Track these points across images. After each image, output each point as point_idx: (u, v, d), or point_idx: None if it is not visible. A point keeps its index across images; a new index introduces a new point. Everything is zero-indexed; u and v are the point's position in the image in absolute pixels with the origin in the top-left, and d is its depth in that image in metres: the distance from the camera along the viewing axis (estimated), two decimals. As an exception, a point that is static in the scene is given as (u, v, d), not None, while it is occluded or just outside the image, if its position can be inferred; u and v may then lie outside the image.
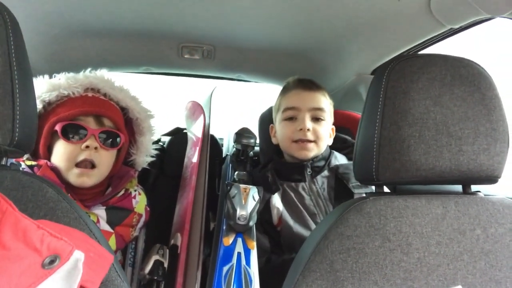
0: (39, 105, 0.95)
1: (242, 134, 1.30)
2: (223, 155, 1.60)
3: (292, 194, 1.18)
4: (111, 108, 1.03)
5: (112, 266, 0.56)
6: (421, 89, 0.69)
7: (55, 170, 0.95)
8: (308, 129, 1.16)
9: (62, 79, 0.99)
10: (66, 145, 0.95)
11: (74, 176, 0.94)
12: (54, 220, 0.55)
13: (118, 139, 1.02)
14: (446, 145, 0.68)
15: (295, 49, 1.48)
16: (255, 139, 1.33)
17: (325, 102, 1.22)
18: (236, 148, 1.34)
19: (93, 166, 0.96)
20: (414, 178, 0.70)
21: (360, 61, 1.45)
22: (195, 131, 1.38)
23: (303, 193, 1.18)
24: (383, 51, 1.32)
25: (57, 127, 0.94)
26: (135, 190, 1.12)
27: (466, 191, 0.76)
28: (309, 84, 1.24)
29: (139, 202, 1.10)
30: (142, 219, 1.11)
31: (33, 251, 0.44)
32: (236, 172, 1.24)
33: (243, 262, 0.85)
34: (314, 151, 1.18)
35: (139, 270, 1.09)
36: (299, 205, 1.16)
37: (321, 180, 1.20)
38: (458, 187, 0.77)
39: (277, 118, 1.27)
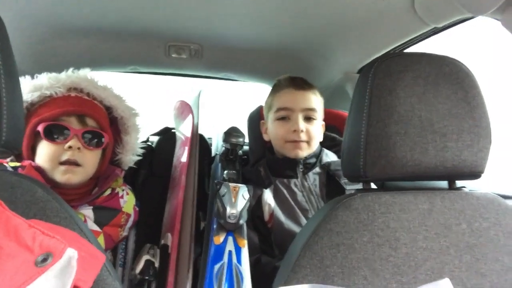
0: None
1: (230, 133, 1.31)
2: (212, 155, 1.60)
3: (285, 191, 1.20)
4: (95, 107, 1.03)
5: (104, 265, 0.56)
6: (406, 86, 0.70)
7: (39, 170, 0.94)
8: (302, 130, 1.18)
9: (44, 79, 0.99)
10: (49, 146, 0.94)
11: (59, 174, 0.94)
12: (44, 220, 0.54)
13: (102, 139, 1.02)
14: (431, 141, 0.70)
15: (282, 49, 1.49)
16: (244, 138, 1.33)
17: (316, 102, 1.24)
18: (225, 147, 1.34)
19: (77, 164, 0.96)
20: (401, 175, 0.71)
21: (347, 60, 1.46)
22: (183, 131, 1.37)
23: (295, 189, 1.20)
24: (369, 50, 1.33)
25: (40, 128, 0.94)
26: (123, 190, 1.11)
27: (451, 186, 0.78)
28: (301, 83, 1.25)
29: (127, 201, 1.10)
30: (131, 219, 1.11)
31: (25, 249, 0.44)
32: (225, 171, 1.24)
33: (234, 260, 0.86)
34: (306, 150, 1.21)
35: (129, 270, 1.08)
36: (291, 201, 1.18)
37: (313, 176, 1.23)
38: (445, 184, 0.79)
39: (269, 116, 1.28)
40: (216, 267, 0.83)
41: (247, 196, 1.01)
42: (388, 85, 0.71)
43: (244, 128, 1.42)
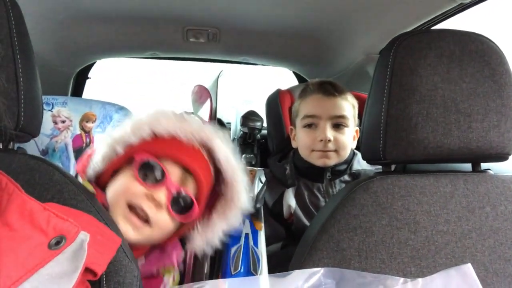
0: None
1: (248, 117, 1.30)
2: (231, 139, 1.60)
3: (306, 193, 1.15)
4: (207, 172, 0.77)
5: (120, 247, 0.56)
6: (429, 65, 0.67)
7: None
8: (329, 140, 1.09)
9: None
10: (133, 183, 0.70)
11: (122, 221, 0.69)
12: (61, 203, 0.55)
13: (190, 210, 0.74)
14: (454, 122, 0.67)
15: (302, 30, 1.46)
16: (262, 121, 1.32)
17: (348, 108, 1.14)
18: (243, 131, 1.34)
19: (146, 221, 0.70)
20: (422, 157, 0.69)
21: (368, 41, 1.42)
22: (202, 115, 1.38)
23: (318, 194, 1.14)
24: (391, 30, 1.29)
25: (137, 157, 0.71)
26: (171, 274, 0.79)
27: (475, 169, 0.75)
28: (329, 89, 1.13)
29: None
30: None
31: (39, 232, 0.44)
32: (243, 155, 1.24)
33: (251, 242, 0.86)
34: (334, 159, 1.12)
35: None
36: (310, 206, 1.13)
37: (340, 184, 1.15)
38: (468, 167, 0.76)
39: (297, 123, 1.19)
40: (233, 249, 0.83)
41: (264, 179, 1.00)
42: (409, 63, 0.68)
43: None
